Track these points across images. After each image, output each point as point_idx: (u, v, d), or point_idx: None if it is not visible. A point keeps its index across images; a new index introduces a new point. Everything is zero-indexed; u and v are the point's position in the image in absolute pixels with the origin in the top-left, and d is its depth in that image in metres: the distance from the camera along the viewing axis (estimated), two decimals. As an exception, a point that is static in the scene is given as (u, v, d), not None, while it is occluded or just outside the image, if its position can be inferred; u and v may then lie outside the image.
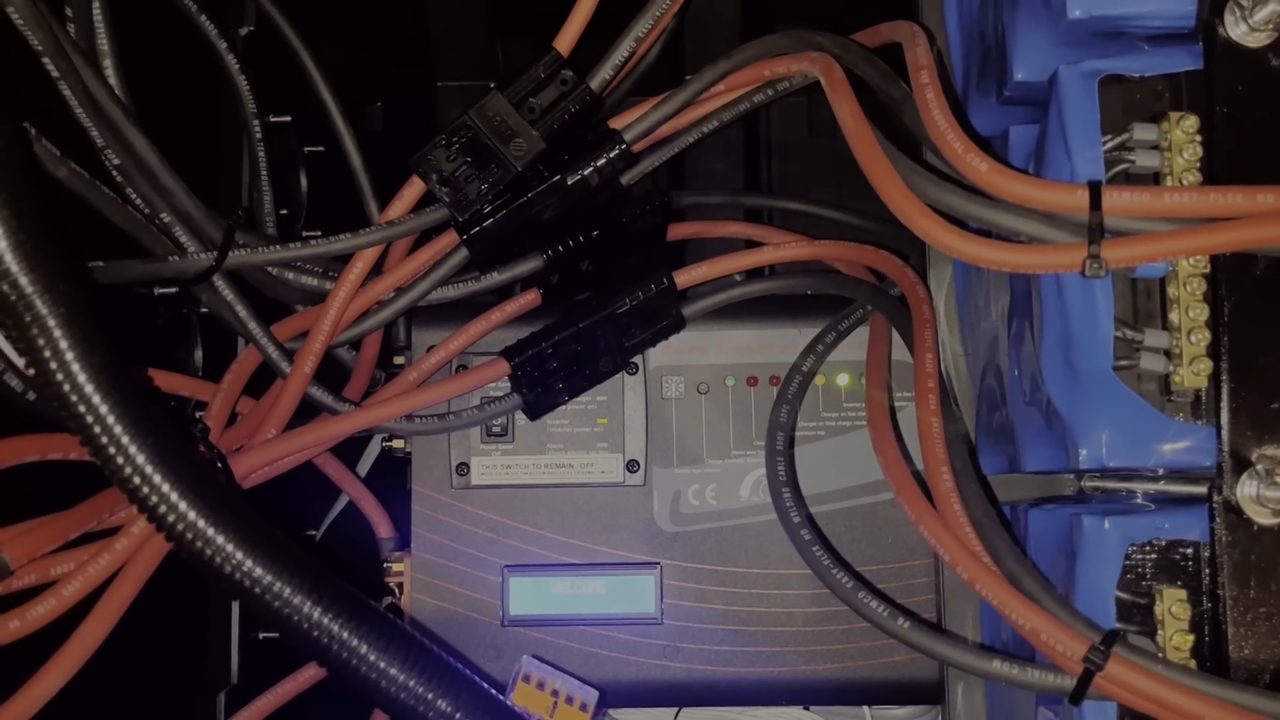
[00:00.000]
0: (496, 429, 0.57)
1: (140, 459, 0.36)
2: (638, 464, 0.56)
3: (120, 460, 0.36)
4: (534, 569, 0.56)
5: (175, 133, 0.55)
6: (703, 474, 0.56)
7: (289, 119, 0.66)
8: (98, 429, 0.35)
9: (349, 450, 0.65)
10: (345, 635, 0.37)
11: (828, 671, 0.55)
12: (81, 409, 0.35)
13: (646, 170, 0.53)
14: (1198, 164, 0.37)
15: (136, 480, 0.36)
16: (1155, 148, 0.38)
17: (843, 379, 0.57)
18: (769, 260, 0.56)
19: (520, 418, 0.57)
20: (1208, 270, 0.38)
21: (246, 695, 0.58)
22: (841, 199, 0.69)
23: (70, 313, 0.35)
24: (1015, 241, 0.38)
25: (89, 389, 0.35)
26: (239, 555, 0.36)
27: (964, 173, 0.38)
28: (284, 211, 0.66)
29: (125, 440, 0.36)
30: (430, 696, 0.38)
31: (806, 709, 0.62)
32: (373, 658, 0.37)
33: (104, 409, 0.35)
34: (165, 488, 0.36)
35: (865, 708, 0.61)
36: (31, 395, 0.43)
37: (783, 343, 0.56)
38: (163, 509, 0.36)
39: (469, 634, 0.56)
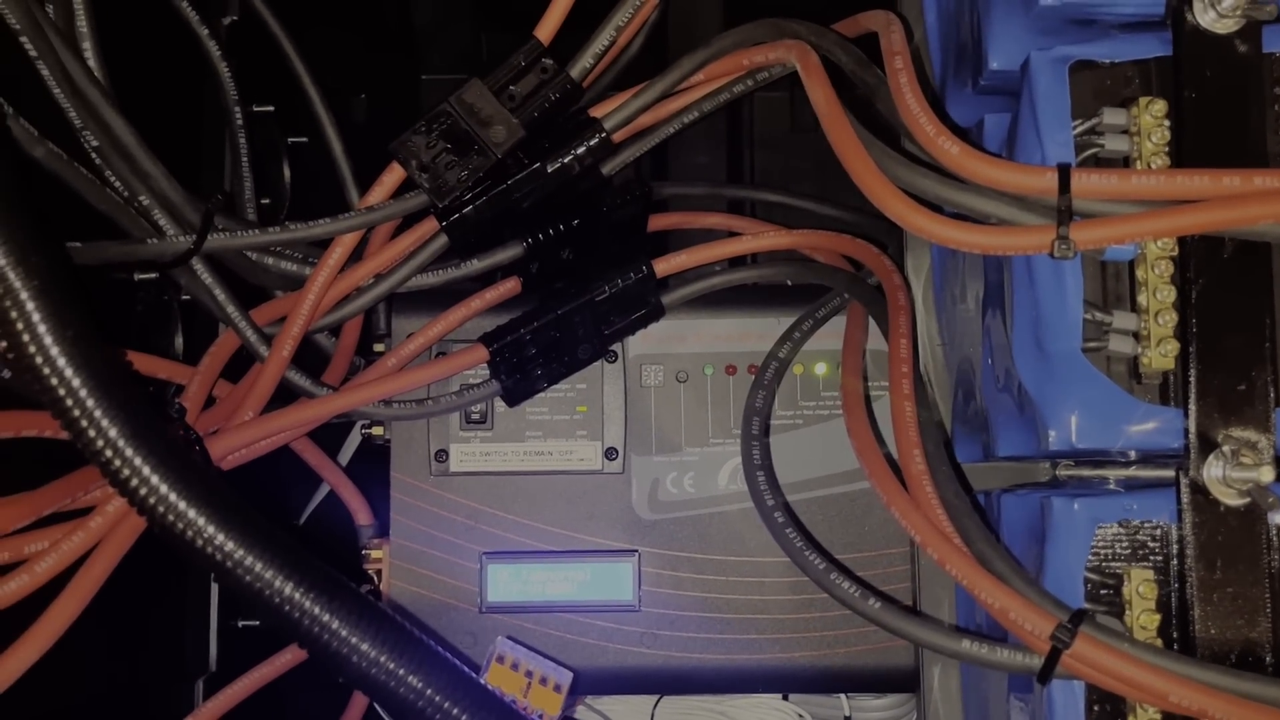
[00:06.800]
0: (475, 416, 0.57)
1: (113, 432, 0.36)
2: (616, 452, 0.57)
3: (93, 433, 0.36)
4: (512, 556, 0.56)
5: (157, 118, 0.55)
6: (681, 462, 0.57)
7: (271, 109, 0.67)
8: (70, 402, 0.35)
9: (330, 439, 0.65)
10: (318, 610, 0.37)
11: (805, 659, 0.55)
12: (54, 382, 0.35)
13: (628, 160, 0.54)
14: (1166, 148, 0.38)
15: (109, 453, 0.36)
16: (1125, 132, 0.39)
17: (821, 368, 0.57)
18: (747, 249, 0.56)
19: (500, 405, 0.57)
20: (1175, 253, 0.38)
21: (224, 683, 0.58)
22: (823, 193, 0.69)
23: (44, 286, 0.35)
24: (986, 224, 0.39)
25: (62, 362, 0.35)
26: (211, 529, 0.36)
27: (935, 156, 0.39)
28: (266, 201, 0.66)
29: (98, 414, 0.36)
30: (402, 673, 0.38)
31: (785, 698, 0.62)
32: (344, 633, 0.37)
33: (77, 382, 0.35)
34: (138, 461, 0.36)
35: (842, 696, 0.61)
36: (6, 372, 0.43)
37: (762, 332, 0.57)
38: (135, 482, 0.36)
39: (447, 621, 0.56)
